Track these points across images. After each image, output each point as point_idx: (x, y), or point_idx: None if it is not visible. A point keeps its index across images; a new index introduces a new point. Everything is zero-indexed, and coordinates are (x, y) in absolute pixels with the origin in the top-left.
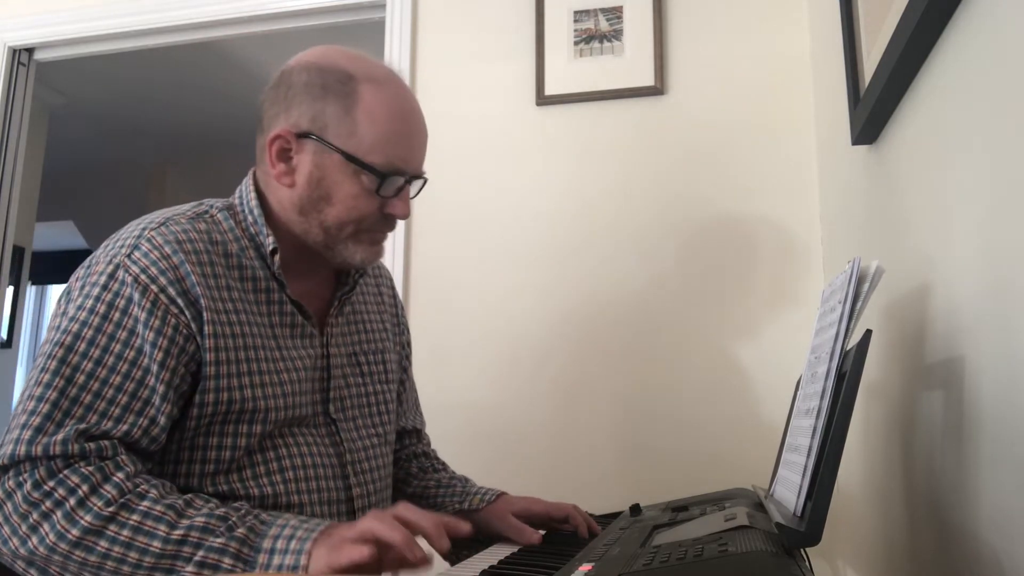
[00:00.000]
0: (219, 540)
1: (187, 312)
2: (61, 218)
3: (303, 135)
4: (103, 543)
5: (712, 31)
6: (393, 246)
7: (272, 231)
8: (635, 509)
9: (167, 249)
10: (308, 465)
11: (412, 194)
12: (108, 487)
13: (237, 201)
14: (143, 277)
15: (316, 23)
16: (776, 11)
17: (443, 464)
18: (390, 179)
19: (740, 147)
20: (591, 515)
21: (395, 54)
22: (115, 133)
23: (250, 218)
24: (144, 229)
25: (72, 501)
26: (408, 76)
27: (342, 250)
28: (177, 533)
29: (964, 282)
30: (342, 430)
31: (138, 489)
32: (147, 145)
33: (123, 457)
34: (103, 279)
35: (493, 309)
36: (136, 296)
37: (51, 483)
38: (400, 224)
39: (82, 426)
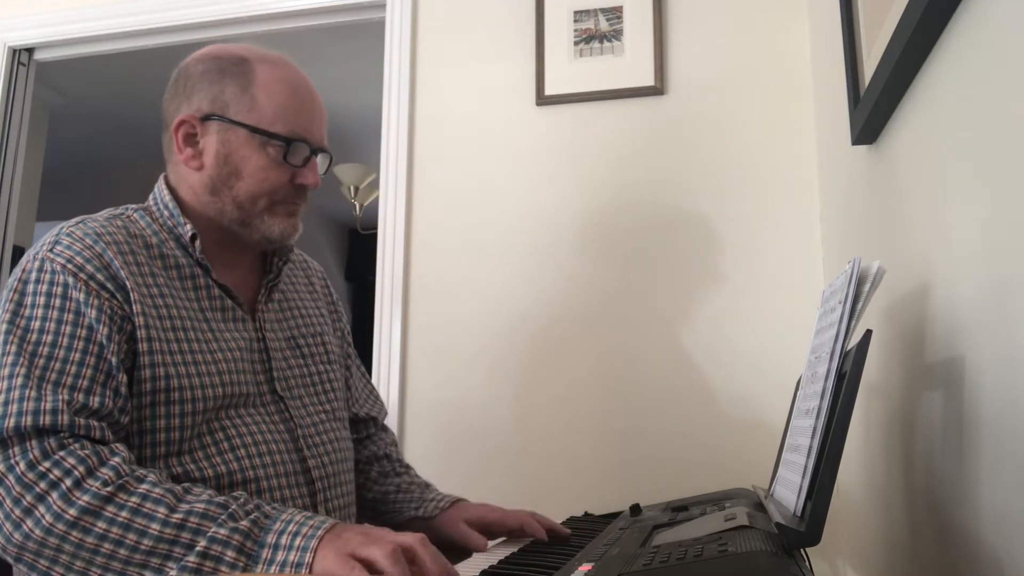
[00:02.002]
0: (222, 531)
1: (118, 295)
2: (61, 218)
3: (206, 117)
4: (101, 524)
5: (712, 31)
6: (393, 245)
7: (189, 220)
8: (635, 509)
9: (88, 240)
10: (260, 442)
11: (321, 170)
12: (105, 469)
13: (152, 202)
14: (70, 266)
15: (316, 23)
16: (776, 11)
17: (405, 466)
18: (295, 145)
19: (740, 147)
20: (591, 515)
21: (395, 54)
22: (115, 133)
23: (166, 212)
24: (61, 229)
25: (68, 482)
26: (408, 76)
27: (259, 225)
28: (176, 516)
29: (964, 282)
30: (291, 407)
31: (135, 473)
32: (147, 145)
33: (118, 444)
34: (33, 275)
35: (492, 308)
36: (70, 280)
37: (46, 464)
38: (400, 223)
39: (64, 396)
